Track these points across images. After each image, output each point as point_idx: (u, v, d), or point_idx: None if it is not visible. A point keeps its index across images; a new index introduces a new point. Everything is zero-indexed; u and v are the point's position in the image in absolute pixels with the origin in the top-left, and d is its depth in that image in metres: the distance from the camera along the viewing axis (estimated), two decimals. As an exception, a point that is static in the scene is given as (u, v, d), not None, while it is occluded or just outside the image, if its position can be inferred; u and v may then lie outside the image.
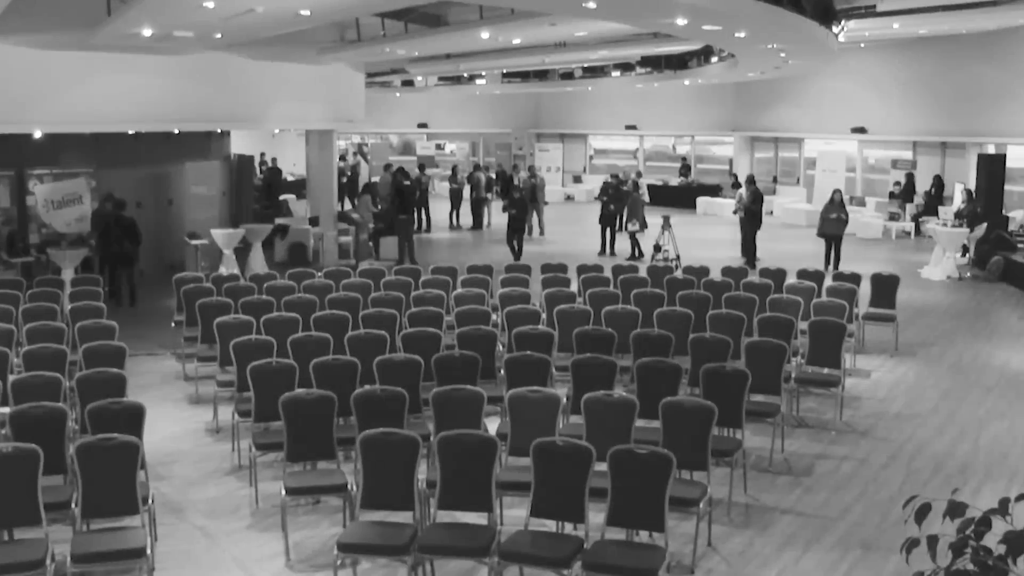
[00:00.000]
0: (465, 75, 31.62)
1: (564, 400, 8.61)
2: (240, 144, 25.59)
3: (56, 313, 12.00)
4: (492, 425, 8.81)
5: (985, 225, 20.53)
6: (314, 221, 21.41)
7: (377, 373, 8.99)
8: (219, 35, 14.71)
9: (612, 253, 22.23)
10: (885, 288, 13.75)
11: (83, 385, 8.68)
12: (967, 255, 20.73)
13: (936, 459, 9.62)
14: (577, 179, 38.06)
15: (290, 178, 30.96)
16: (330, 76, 20.29)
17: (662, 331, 10.36)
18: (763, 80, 28.80)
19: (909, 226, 25.85)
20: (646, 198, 25.20)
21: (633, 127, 36.79)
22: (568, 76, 31.55)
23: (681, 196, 33.39)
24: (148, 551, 6.60)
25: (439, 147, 40.86)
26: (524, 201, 22.92)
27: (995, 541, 3.33)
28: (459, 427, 7.23)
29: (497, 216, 27.11)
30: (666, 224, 20.38)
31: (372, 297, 12.42)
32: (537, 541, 6.67)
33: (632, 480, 6.59)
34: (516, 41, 19.14)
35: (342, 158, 31.61)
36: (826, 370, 10.86)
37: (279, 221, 21.32)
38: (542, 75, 32.11)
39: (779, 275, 13.71)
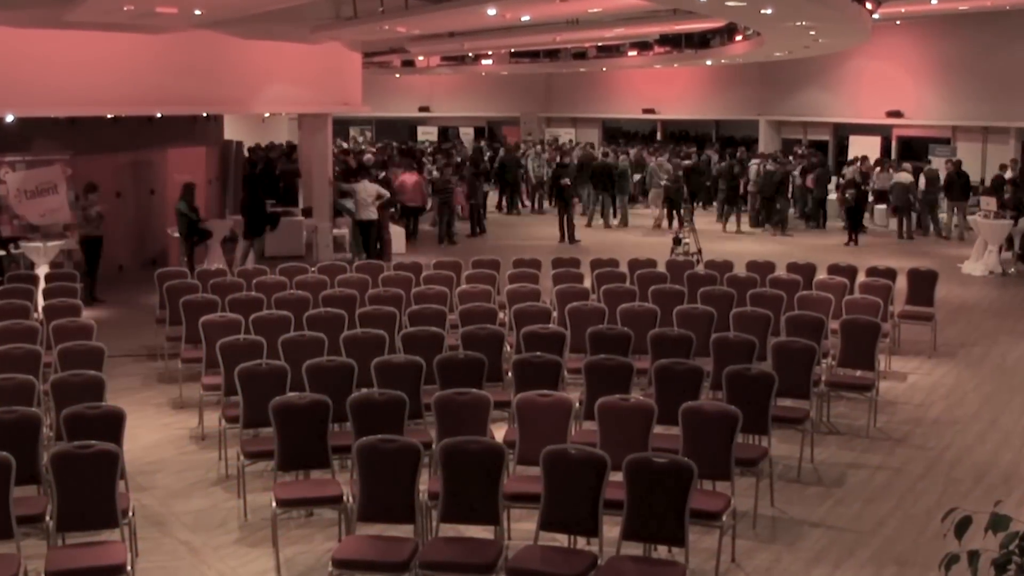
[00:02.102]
0: (470, 55, 31.61)
1: (576, 405, 8.62)
2: (229, 129, 25.65)
3: (29, 311, 12.02)
4: (499, 432, 8.80)
5: (1032, 217, 20.45)
6: (307, 212, 21.41)
7: (375, 376, 8.98)
8: (204, 11, 14.73)
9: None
10: (922, 284, 13.70)
11: (58, 388, 8.69)
12: (1012, 248, 20.65)
13: (977, 468, 9.60)
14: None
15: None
16: (324, 56, 20.28)
17: (682, 331, 10.34)
18: (791, 60, 28.73)
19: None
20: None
21: (651, 111, 36.78)
22: (581, 56, 31.54)
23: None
24: (128, 567, 6.61)
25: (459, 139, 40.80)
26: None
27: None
28: (463, 434, 7.23)
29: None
30: (687, 215, 20.36)
31: (370, 294, 12.43)
32: (547, 557, 6.67)
33: (650, 491, 6.59)
34: (525, 18, 19.12)
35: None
36: (859, 372, 10.85)
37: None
38: (553, 55, 32.10)
39: (808, 270, 13.68)
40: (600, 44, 29.80)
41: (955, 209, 24.01)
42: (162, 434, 10.50)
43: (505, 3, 15.92)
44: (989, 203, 20.79)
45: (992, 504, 3.77)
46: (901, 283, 13.74)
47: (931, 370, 12.81)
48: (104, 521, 6.96)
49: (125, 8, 13.85)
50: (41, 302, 12.63)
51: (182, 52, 17.18)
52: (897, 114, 29.77)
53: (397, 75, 36.03)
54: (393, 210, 22.26)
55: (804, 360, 9.58)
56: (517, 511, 7.76)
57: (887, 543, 8.01)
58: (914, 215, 24.44)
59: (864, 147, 29.95)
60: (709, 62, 30.82)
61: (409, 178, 23.64)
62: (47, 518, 7.10)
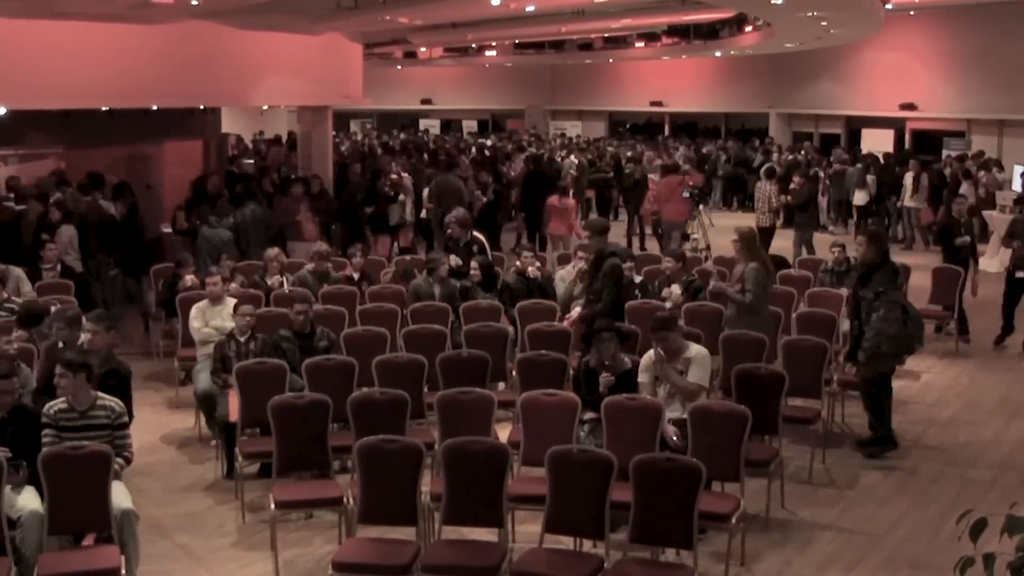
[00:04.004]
0: (473, 46, 31.61)
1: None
2: (226, 122, 25.61)
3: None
4: (503, 432, 8.81)
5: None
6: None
7: (376, 374, 8.99)
8: (201, 1, 14.73)
9: None
10: (947, 283, 13.40)
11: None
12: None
13: (993, 470, 9.59)
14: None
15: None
16: (324, 47, 20.26)
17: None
18: (802, 52, 28.70)
19: None
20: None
21: (659, 103, 36.75)
22: (587, 47, 31.50)
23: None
24: (123, 571, 6.61)
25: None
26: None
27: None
28: (466, 434, 7.22)
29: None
30: (695, 211, 20.31)
31: (370, 291, 12.42)
32: (552, 560, 6.67)
33: (657, 493, 6.58)
34: (530, 8, 19.10)
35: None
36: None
37: None
38: (558, 46, 32.07)
39: (819, 267, 13.64)
40: (606, 35, 29.78)
41: None
42: (158, 434, 10.49)
43: (509, -7, 15.91)
44: (1005, 198, 20.76)
45: (1008, 506, 3.77)
46: (924, 280, 13.72)
47: (945, 369, 12.79)
48: (97, 524, 6.95)
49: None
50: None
51: (178, 43, 17.15)
52: (911, 107, 29.72)
53: (399, 67, 35.99)
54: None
55: (815, 359, 9.57)
56: (522, 513, 7.76)
57: (901, 546, 8.01)
58: None
59: (877, 141, 29.89)
60: (718, 53, 30.79)
61: None
62: (40, 521, 7.09)
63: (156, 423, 10.83)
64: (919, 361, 12.94)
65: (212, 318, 10.74)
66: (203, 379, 9.89)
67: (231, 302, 10.58)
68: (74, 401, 7.32)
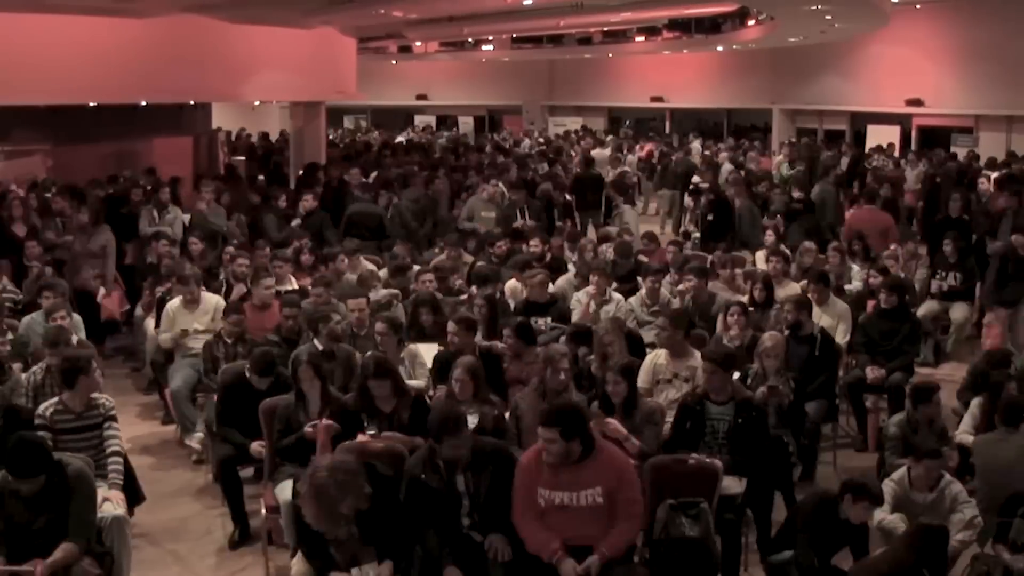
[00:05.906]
0: (470, 40, 31.63)
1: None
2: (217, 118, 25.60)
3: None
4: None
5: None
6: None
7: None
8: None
9: None
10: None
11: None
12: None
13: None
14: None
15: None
16: (318, 42, 20.26)
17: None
18: (806, 46, 28.70)
19: None
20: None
21: (659, 99, 36.74)
22: (586, 41, 31.56)
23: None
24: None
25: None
26: None
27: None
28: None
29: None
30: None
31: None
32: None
33: (674, 494, 6.62)
34: (527, 1, 19.11)
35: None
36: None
37: None
38: (556, 40, 32.12)
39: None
40: (606, 29, 29.82)
41: None
42: (149, 438, 10.46)
43: (506, -14, 15.92)
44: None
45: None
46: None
47: (951, 372, 12.71)
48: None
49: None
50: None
51: (168, 37, 17.13)
52: (917, 102, 29.65)
53: (393, 61, 36.01)
54: None
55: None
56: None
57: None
58: None
59: (882, 137, 29.85)
60: (720, 48, 30.81)
61: None
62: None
63: (146, 426, 10.81)
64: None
65: (183, 323, 10.37)
66: (176, 378, 9.96)
67: (210, 305, 10.53)
68: (72, 403, 7.29)
